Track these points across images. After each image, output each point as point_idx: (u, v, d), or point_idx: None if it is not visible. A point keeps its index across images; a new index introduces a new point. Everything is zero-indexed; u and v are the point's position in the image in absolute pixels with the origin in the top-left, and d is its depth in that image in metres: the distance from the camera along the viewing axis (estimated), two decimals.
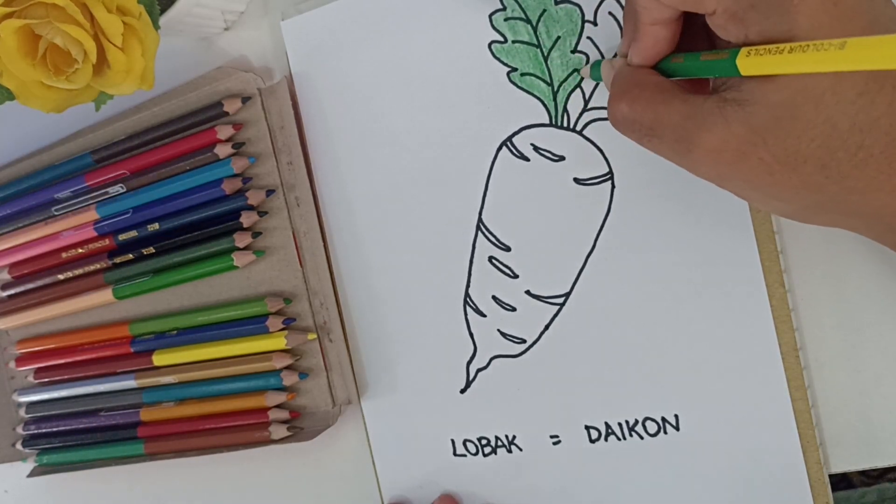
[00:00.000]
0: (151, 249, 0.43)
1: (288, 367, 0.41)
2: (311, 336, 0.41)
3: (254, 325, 0.41)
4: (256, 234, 0.41)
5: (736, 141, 0.25)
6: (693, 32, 0.29)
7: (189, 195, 0.41)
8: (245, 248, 0.41)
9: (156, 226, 0.42)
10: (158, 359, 0.43)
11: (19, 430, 0.48)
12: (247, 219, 0.40)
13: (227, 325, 0.42)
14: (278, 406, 0.41)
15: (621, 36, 0.34)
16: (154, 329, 0.44)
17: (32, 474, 0.48)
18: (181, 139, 0.41)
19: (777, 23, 0.24)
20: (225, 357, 0.42)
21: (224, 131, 0.40)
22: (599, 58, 0.34)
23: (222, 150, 0.40)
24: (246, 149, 0.41)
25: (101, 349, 0.46)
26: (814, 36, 0.23)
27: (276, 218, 0.41)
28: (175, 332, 0.44)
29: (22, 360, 0.48)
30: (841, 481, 0.66)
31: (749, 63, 0.24)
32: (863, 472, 0.66)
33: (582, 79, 0.35)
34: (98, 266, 0.45)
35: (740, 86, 0.25)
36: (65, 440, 0.47)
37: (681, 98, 0.27)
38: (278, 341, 0.40)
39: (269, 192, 0.40)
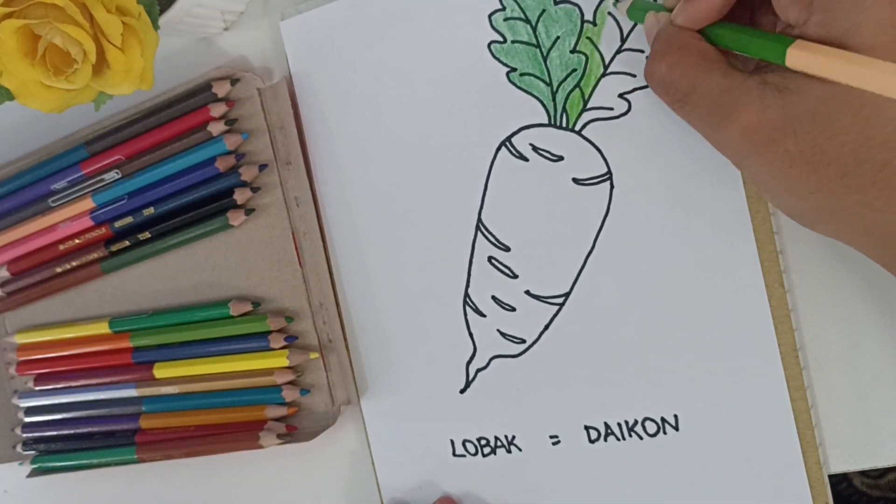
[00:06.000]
0: (147, 234, 0.43)
1: (290, 383, 0.41)
2: (314, 355, 0.40)
3: (255, 342, 0.41)
4: (249, 212, 0.41)
5: (768, 126, 0.25)
6: (740, 3, 0.28)
7: (183, 176, 0.41)
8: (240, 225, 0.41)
9: (151, 210, 0.42)
10: (159, 371, 0.43)
11: (18, 431, 0.48)
12: (240, 195, 0.40)
13: (228, 342, 0.42)
14: (278, 419, 0.41)
15: (620, 36, 0.34)
16: (156, 341, 0.44)
17: (32, 474, 0.48)
18: (175, 120, 0.41)
19: (841, 19, 0.23)
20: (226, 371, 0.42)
21: (217, 108, 0.40)
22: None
23: (215, 128, 0.40)
24: (239, 125, 0.41)
25: (102, 359, 0.45)
26: (873, 45, 0.23)
27: (274, 215, 0.41)
28: (179, 344, 0.43)
29: (22, 366, 0.48)
30: (841, 481, 0.66)
31: (799, 57, 0.24)
32: (863, 472, 0.66)
33: (581, 79, 0.35)
34: (95, 256, 0.45)
35: (784, 71, 0.24)
36: (63, 445, 0.47)
37: (722, 70, 0.26)
38: (280, 359, 0.40)
39: (262, 166, 0.40)
